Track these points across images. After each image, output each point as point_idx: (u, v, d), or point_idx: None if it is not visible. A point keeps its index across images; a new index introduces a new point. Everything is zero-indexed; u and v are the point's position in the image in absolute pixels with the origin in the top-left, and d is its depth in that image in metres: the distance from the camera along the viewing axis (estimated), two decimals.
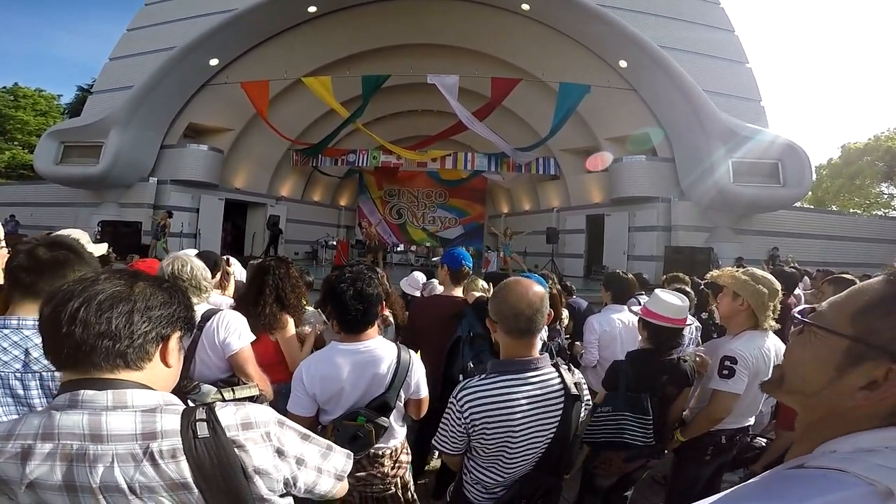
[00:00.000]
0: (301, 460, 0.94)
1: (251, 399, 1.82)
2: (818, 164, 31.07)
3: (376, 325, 1.88)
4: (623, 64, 12.58)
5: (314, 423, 1.81)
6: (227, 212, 15.30)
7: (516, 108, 14.76)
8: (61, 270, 1.34)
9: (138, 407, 0.81)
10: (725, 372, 2.10)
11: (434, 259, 15.69)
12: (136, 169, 13.23)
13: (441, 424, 1.55)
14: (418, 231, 20.89)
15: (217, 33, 12.57)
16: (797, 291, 4.72)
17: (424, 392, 1.93)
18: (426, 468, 3.31)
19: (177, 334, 0.91)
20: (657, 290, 2.40)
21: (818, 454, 0.61)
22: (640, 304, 3.20)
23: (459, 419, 1.46)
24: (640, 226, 13.33)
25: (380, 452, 1.83)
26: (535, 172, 16.20)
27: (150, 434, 0.79)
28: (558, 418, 1.49)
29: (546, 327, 3.01)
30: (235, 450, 0.83)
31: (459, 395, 1.48)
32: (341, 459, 1.03)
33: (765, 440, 3.63)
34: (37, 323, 1.25)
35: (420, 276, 4.23)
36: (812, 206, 24.50)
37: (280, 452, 0.90)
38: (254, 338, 2.14)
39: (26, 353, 1.24)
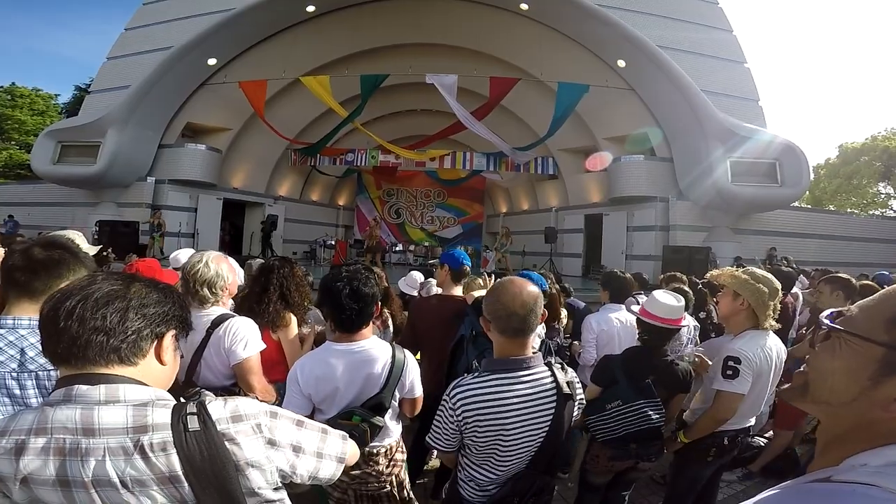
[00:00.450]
0: (298, 447, 0.94)
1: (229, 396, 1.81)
2: (816, 163, 31.14)
3: (371, 325, 1.88)
4: (621, 63, 12.59)
5: None
6: (225, 211, 15.26)
7: (515, 108, 14.75)
8: (56, 270, 1.35)
9: (130, 401, 0.82)
10: (729, 372, 2.10)
11: (433, 260, 15.71)
12: (134, 168, 13.19)
13: (434, 421, 1.57)
14: (417, 231, 20.88)
15: (215, 33, 12.53)
16: (795, 290, 4.73)
17: (419, 391, 1.93)
18: (425, 468, 3.32)
19: (171, 332, 0.93)
20: (655, 291, 2.40)
21: (846, 467, 0.58)
22: (638, 303, 3.21)
23: (452, 416, 1.48)
24: (639, 225, 13.34)
25: (375, 451, 1.84)
26: (533, 172, 16.20)
27: (141, 428, 0.80)
28: (550, 417, 1.49)
29: (545, 326, 3.02)
30: (226, 443, 0.84)
31: (452, 393, 1.49)
32: (338, 442, 1.04)
33: (763, 440, 3.66)
34: (32, 322, 1.26)
35: (418, 276, 4.23)
36: (810, 206, 24.57)
37: (272, 443, 0.90)
38: (263, 346, 2.09)
39: (22, 352, 1.25)
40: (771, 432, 3.80)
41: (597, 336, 3.22)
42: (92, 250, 2.04)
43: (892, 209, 29.62)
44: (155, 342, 0.89)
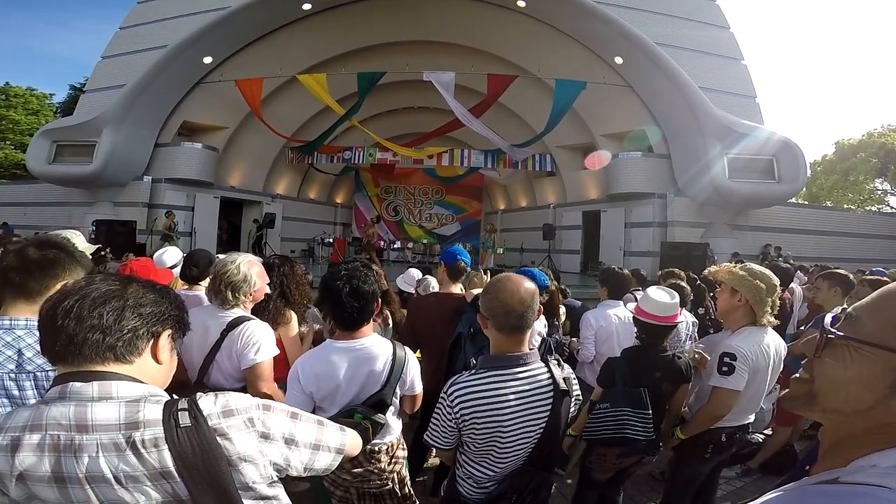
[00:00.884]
0: (291, 440, 0.94)
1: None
2: (813, 160, 31.26)
3: (372, 323, 1.87)
4: (619, 60, 12.58)
5: None
6: (222, 210, 15.22)
7: (512, 105, 14.74)
8: (52, 269, 1.34)
9: (123, 398, 0.82)
10: (725, 369, 2.09)
11: (434, 257, 15.75)
12: (130, 168, 13.14)
13: (432, 419, 1.56)
14: (415, 228, 20.86)
15: (210, 31, 12.47)
16: (793, 286, 4.74)
17: (419, 388, 1.93)
18: (425, 465, 3.32)
19: (167, 332, 0.94)
20: (649, 289, 2.40)
21: (855, 468, 0.56)
22: (636, 299, 3.21)
23: (449, 414, 1.48)
24: (637, 222, 13.36)
25: (377, 449, 1.83)
26: (531, 169, 16.19)
27: (133, 424, 0.80)
28: (547, 413, 1.49)
29: (546, 323, 3.02)
30: (218, 438, 0.84)
31: (450, 391, 1.49)
32: (336, 433, 1.04)
33: (761, 436, 3.67)
34: (28, 323, 1.25)
35: (415, 273, 4.23)
36: (807, 202, 24.63)
37: (265, 436, 0.90)
38: (277, 352, 2.07)
39: (19, 353, 1.24)
40: (770, 429, 3.80)
41: (595, 332, 3.22)
42: (89, 249, 2.03)
43: (889, 205, 29.73)
44: (151, 341, 0.90)
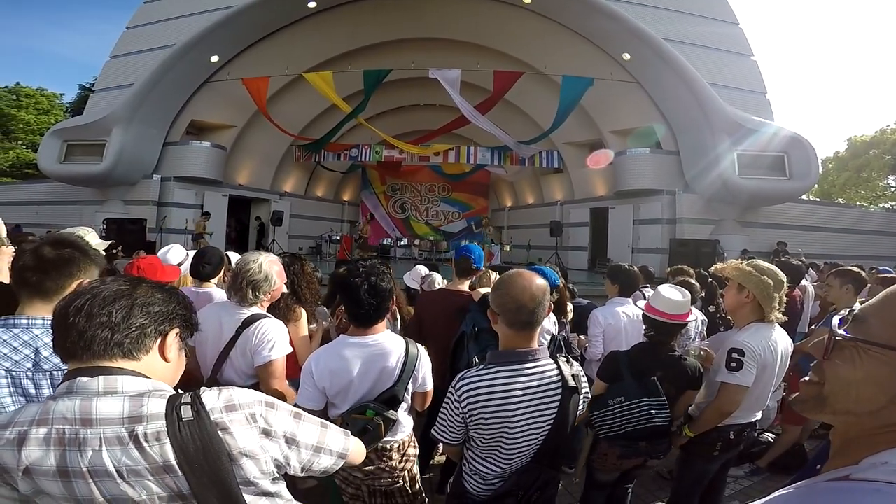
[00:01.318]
0: (292, 440, 0.94)
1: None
2: (824, 156, 30.85)
3: (385, 319, 1.89)
4: (626, 57, 12.47)
5: (323, 417, 1.81)
6: (231, 208, 15.32)
7: (519, 102, 14.68)
8: (67, 269, 1.35)
9: (127, 392, 0.83)
10: (733, 364, 2.08)
11: (440, 254, 15.78)
12: (140, 166, 13.26)
13: (440, 414, 1.57)
14: (422, 225, 20.86)
15: (217, 30, 12.53)
16: (804, 284, 4.68)
17: (430, 385, 1.94)
18: (431, 463, 3.32)
19: (175, 331, 0.95)
20: (660, 287, 2.38)
21: (867, 465, 0.56)
22: (645, 297, 3.18)
23: (457, 409, 1.48)
24: (645, 218, 13.27)
25: (388, 446, 1.84)
26: (538, 166, 16.14)
27: (136, 418, 0.81)
28: (555, 410, 1.49)
29: (556, 321, 3.01)
30: (219, 432, 0.84)
31: (458, 386, 1.49)
32: (339, 437, 1.04)
33: (772, 436, 3.64)
34: (45, 322, 1.27)
35: (422, 270, 4.23)
36: (818, 199, 24.32)
37: (267, 433, 0.90)
38: (290, 350, 2.08)
39: (36, 352, 1.25)
40: (780, 428, 3.77)
41: (604, 330, 3.20)
42: (102, 246, 2.05)
43: None
44: (159, 339, 0.92)
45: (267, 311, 2.20)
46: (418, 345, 1.91)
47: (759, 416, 2.37)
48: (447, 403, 1.53)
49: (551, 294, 1.68)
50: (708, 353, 2.36)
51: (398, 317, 3.37)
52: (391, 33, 14.05)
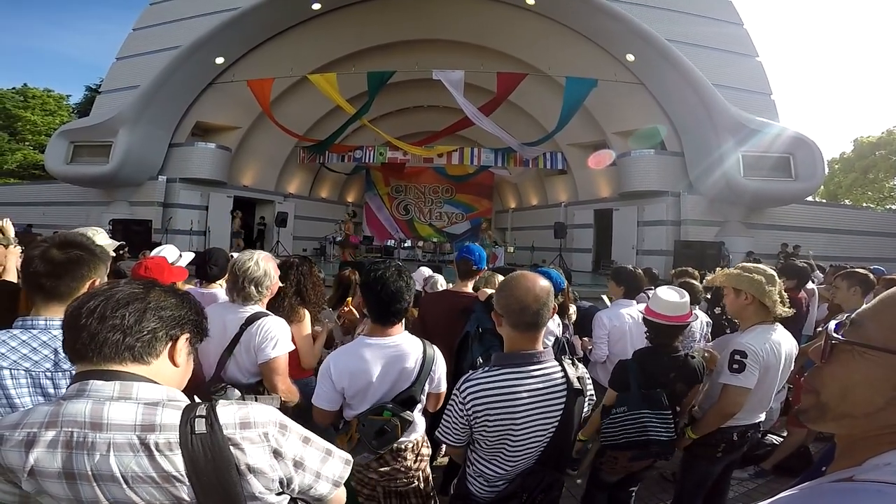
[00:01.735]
0: (299, 463, 0.94)
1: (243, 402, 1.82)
2: (830, 157, 30.65)
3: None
4: (630, 58, 12.45)
5: (338, 417, 1.82)
6: (235, 209, 15.39)
7: (523, 103, 14.68)
8: (78, 271, 1.36)
9: (142, 399, 0.84)
10: (735, 366, 2.08)
11: (444, 255, 15.78)
12: (146, 167, 13.35)
13: (444, 416, 1.56)
14: (425, 227, 20.87)
15: (222, 32, 12.61)
16: (810, 286, 4.65)
17: (444, 387, 1.95)
18: (434, 464, 3.32)
19: (185, 336, 0.95)
20: (658, 289, 2.38)
21: (870, 467, 0.57)
22: (649, 298, 3.17)
23: (462, 411, 1.48)
24: (649, 220, 13.23)
25: (402, 446, 1.84)
26: (542, 167, 16.12)
27: (149, 426, 0.81)
28: (560, 412, 1.49)
29: (560, 323, 3.01)
30: (231, 448, 0.84)
31: (462, 387, 1.49)
32: (339, 466, 1.03)
33: (776, 438, 3.62)
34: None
35: (426, 271, 4.24)
36: (824, 200, 24.17)
37: (277, 454, 0.90)
38: (292, 348, 2.12)
39: (55, 352, 1.27)
40: (785, 431, 3.75)
41: (608, 332, 3.20)
42: (112, 246, 2.07)
43: None
44: (169, 344, 0.92)
45: (270, 311, 2.22)
46: (434, 346, 1.92)
47: (762, 417, 2.36)
48: (451, 405, 1.53)
49: (556, 298, 1.68)
50: (712, 355, 2.35)
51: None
52: (395, 35, 14.08)
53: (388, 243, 17.95)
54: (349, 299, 3.24)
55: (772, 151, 11.50)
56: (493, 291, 2.71)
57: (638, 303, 3.25)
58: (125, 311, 0.85)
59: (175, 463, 0.80)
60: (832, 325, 0.66)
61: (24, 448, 0.78)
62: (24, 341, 1.26)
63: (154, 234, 12.36)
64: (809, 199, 14.06)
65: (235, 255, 2.33)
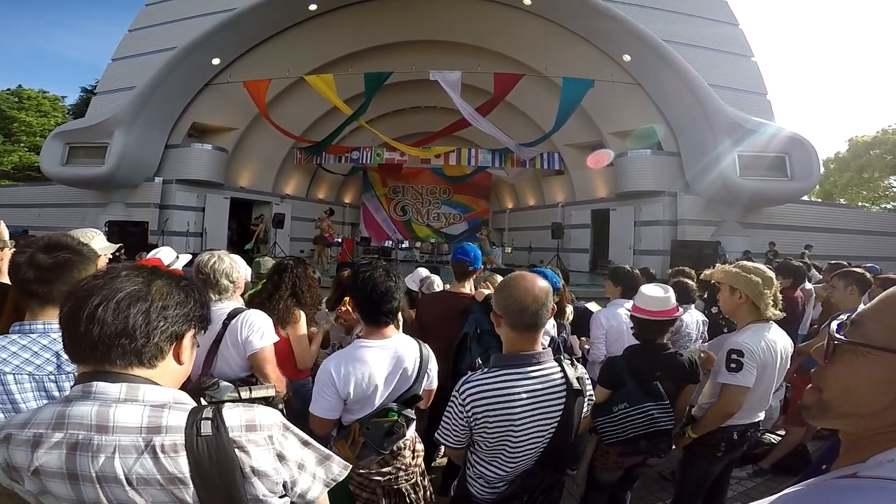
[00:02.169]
0: (301, 465, 0.94)
1: (266, 399, 1.81)
2: (826, 157, 30.85)
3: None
4: (627, 58, 12.50)
5: (338, 424, 1.81)
6: (232, 210, 15.35)
7: (519, 104, 14.71)
8: (68, 274, 1.35)
9: (148, 402, 0.83)
10: (733, 366, 2.08)
11: (442, 256, 15.79)
12: (142, 169, 13.30)
13: (444, 418, 1.56)
14: (423, 227, 20.89)
15: (218, 33, 12.59)
16: (808, 286, 4.67)
17: (436, 382, 1.97)
18: (433, 465, 3.32)
19: (191, 332, 0.93)
20: (642, 286, 2.39)
21: (874, 463, 0.57)
22: None
23: (462, 413, 1.47)
24: (646, 220, 13.28)
25: (400, 445, 1.84)
26: (539, 167, 16.16)
27: (155, 429, 0.80)
28: (560, 413, 1.48)
29: (555, 323, 3.01)
30: (236, 450, 0.84)
31: (462, 389, 1.48)
32: (336, 469, 1.03)
33: (775, 437, 3.63)
34: None
35: (423, 272, 4.23)
36: (820, 200, 24.28)
37: (281, 457, 0.90)
38: (277, 339, 2.15)
39: (57, 355, 1.26)
40: (783, 429, 3.76)
41: (606, 332, 3.20)
42: (109, 249, 2.05)
43: None
44: (175, 343, 0.89)
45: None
46: (425, 343, 1.93)
47: (762, 416, 2.36)
48: (451, 407, 1.52)
49: (553, 297, 1.68)
50: (708, 355, 2.36)
51: (400, 319, 3.37)
52: (392, 35, 14.09)
53: (386, 244, 17.95)
54: (346, 299, 3.23)
55: (768, 151, 11.57)
56: (490, 292, 2.72)
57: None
58: (128, 314, 0.81)
59: (180, 465, 0.80)
60: (834, 325, 0.67)
61: (31, 447, 0.78)
62: (24, 346, 1.25)
63: (150, 236, 12.33)
64: (805, 198, 14.12)
65: (235, 258, 2.35)
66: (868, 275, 3.28)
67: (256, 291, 2.74)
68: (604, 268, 13.20)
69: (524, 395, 1.44)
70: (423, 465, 2.00)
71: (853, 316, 0.65)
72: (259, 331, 2.05)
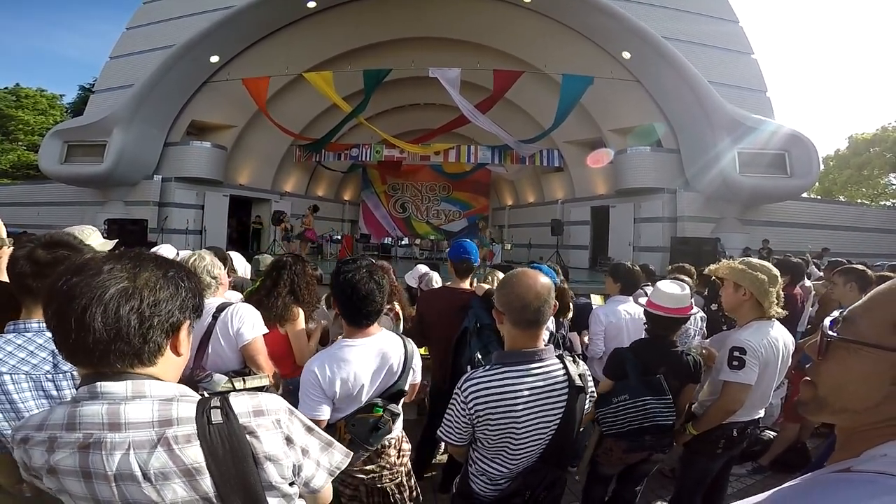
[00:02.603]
0: (305, 451, 0.95)
1: (260, 389, 1.83)
2: (825, 154, 30.88)
3: (383, 317, 1.92)
4: (626, 55, 12.47)
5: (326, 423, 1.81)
6: (231, 208, 15.33)
7: (519, 101, 14.67)
8: None
9: (156, 396, 0.83)
10: (735, 363, 2.08)
11: (441, 253, 15.79)
12: (141, 167, 13.26)
13: (446, 415, 1.56)
14: (423, 224, 20.88)
15: (217, 30, 12.54)
16: (807, 283, 4.67)
17: (420, 376, 2.00)
18: (433, 461, 3.32)
19: (186, 324, 0.90)
20: (659, 282, 2.39)
21: (867, 458, 0.58)
22: (646, 295, 3.18)
23: (464, 410, 1.47)
24: (646, 217, 13.27)
25: (385, 443, 1.84)
26: (538, 164, 16.13)
27: (167, 421, 0.81)
28: (562, 409, 1.48)
29: (553, 320, 3.01)
30: (247, 436, 0.85)
31: (464, 386, 1.48)
32: (339, 456, 1.04)
33: (772, 433, 3.64)
34: None
35: (422, 268, 4.24)
36: (819, 197, 24.29)
37: (289, 440, 0.91)
38: (266, 330, 2.19)
39: (53, 354, 1.26)
40: (779, 425, 3.77)
41: (605, 328, 3.20)
42: (106, 245, 2.05)
43: None
44: (171, 336, 0.87)
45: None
46: (408, 339, 1.95)
47: (762, 413, 2.37)
48: (453, 404, 1.52)
49: None
50: (710, 352, 2.36)
51: (401, 316, 3.36)
52: (391, 32, 14.04)
53: (385, 241, 17.94)
54: None
55: (767, 148, 11.56)
56: (490, 287, 2.72)
57: (636, 299, 3.25)
58: (119, 317, 0.76)
59: (195, 455, 0.80)
60: (827, 321, 0.67)
61: (47, 448, 0.79)
62: (20, 345, 1.25)
63: (150, 234, 12.30)
64: (805, 195, 14.12)
65: (234, 255, 2.38)
66: (869, 272, 3.28)
67: (255, 288, 2.73)
68: (603, 264, 13.21)
69: (526, 393, 1.45)
70: (409, 465, 2.00)
71: (845, 313, 0.66)
72: (249, 322, 2.10)
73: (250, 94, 12.34)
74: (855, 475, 0.55)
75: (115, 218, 12.23)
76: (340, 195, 20.72)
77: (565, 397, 1.49)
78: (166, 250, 3.52)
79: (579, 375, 1.52)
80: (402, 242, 18.53)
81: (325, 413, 1.69)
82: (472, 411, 1.45)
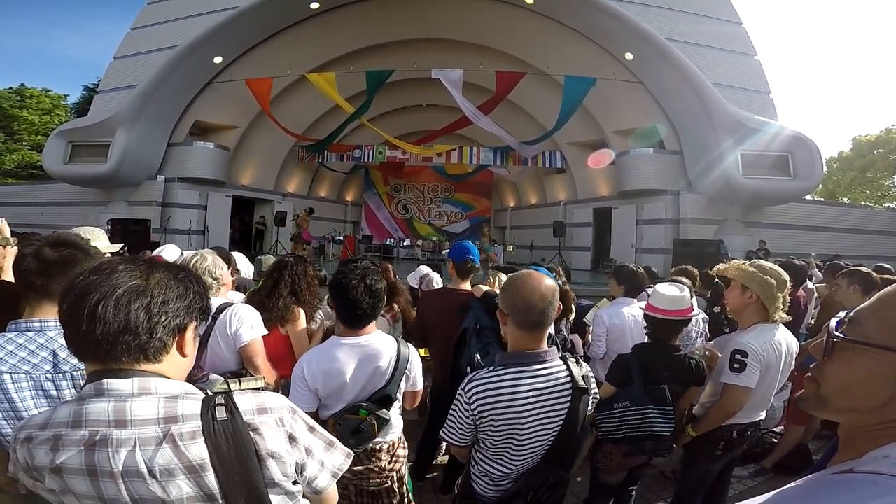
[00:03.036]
0: (309, 450, 0.96)
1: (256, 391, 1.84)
2: (829, 156, 30.73)
3: (380, 317, 1.92)
4: (629, 57, 12.46)
5: (315, 418, 1.82)
6: (234, 208, 15.37)
7: (522, 102, 14.68)
8: (70, 269, 1.35)
9: (161, 394, 0.84)
10: (737, 366, 2.08)
11: (443, 254, 15.80)
12: (144, 167, 13.31)
13: (449, 416, 1.56)
14: (425, 226, 20.88)
15: (220, 31, 12.58)
16: (809, 286, 4.66)
17: (421, 385, 1.98)
18: (434, 463, 3.32)
19: (193, 325, 0.93)
20: (658, 285, 2.38)
21: (869, 459, 0.58)
22: (649, 296, 3.17)
23: (467, 411, 1.48)
24: (648, 218, 13.25)
25: (377, 447, 1.85)
26: (541, 166, 16.13)
27: (172, 418, 0.82)
28: (565, 411, 1.49)
29: (554, 323, 3.01)
30: (251, 433, 0.86)
31: (467, 388, 1.49)
32: (340, 457, 1.05)
33: (775, 437, 3.63)
34: (58, 324, 1.26)
35: (423, 269, 4.24)
36: (823, 199, 24.21)
37: (292, 438, 0.93)
38: (265, 332, 2.19)
39: (54, 354, 1.26)
40: (782, 428, 3.75)
41: (608, 330, 3.20)
42: (111, 248, 2.06)
43: None
44: (178, 336, 0.89)
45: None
46: (409, 344, 1.94)
47: (762, 415, 2.36)
48: (456, 405, 1.52)
49: None
50: (712, 353, 2.35)
51: (399, 318, 3.37)
52: (394, 34, 14.06)
53: (388, 242, 17.95)
54: None
55: (770, 150, 11.53)
56: (489, 289, 2.73)
57: (639, 301, 3.25)
58: (129, 311, 0.80)
59: (200, 452, 0.81)
60: (833, 322, 0.68)
61: (52, 447, 0.79)
62: (20, 345, 1.24)
63: (153, 234, 12.34)
64: (808, 197, 14.07)
65: (237, 256, 2.38)
66: (874, 274, 3.27)
67: (256, 289, 2.74)
68: (606, 266, 13.20)
69: (529, 394, 1.45)
70: (404, 472, 1.99)
71: (851, 314, 0.66)
72: (248, 324, 2.10)
73: (253, 94, 12.38)
74: (857, 476, 0.56)
75: (119, 218, 12.28)
76: (343, 196, 20.74)
77: (569, 399, 1.49)
78: (170, 250, 3.53)
79: (582, 377, 1.53)
80: (405, 243, 18.55)
81: (309, 405, 1.76)
82: (475, 412, 1.46)
